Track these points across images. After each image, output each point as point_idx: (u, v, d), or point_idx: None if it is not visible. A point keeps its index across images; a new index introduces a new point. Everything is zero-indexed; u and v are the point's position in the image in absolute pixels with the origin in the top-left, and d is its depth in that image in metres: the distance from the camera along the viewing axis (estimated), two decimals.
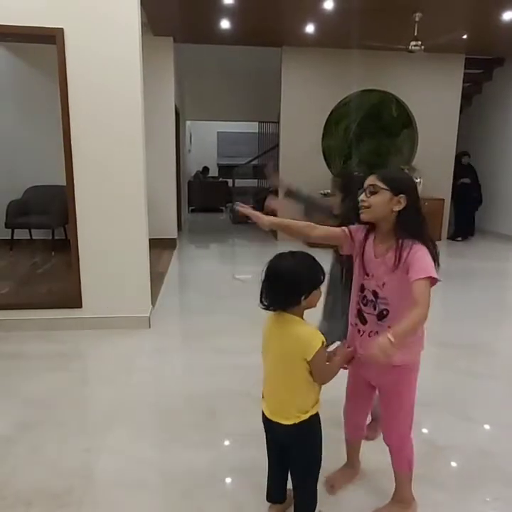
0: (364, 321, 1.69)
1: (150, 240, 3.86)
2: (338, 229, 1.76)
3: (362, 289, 1.69)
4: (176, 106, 6.93)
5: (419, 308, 1.41)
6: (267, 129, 10.39)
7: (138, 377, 3.00)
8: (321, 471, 1.69)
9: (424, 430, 2.40)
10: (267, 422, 1.65)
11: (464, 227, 7.96)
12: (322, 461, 1.67)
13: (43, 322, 3.62)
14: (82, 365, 3.29)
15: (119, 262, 3.63)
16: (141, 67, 3.49)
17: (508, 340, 3.86)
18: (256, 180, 11.82)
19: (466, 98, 8.43)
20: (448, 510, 1.87)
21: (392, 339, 1.33)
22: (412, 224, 1.56)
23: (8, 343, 3.41)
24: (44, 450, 2.21)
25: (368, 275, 1.66)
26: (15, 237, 5.99)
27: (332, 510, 1.83)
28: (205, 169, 12.83)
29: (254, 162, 10.91)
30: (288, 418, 1.58)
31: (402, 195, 1.56)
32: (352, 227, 1.73)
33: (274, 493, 1.78)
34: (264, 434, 1.72)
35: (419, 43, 5.57)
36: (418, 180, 6.62)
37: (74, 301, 3.62)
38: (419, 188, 6.67)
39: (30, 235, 6.24)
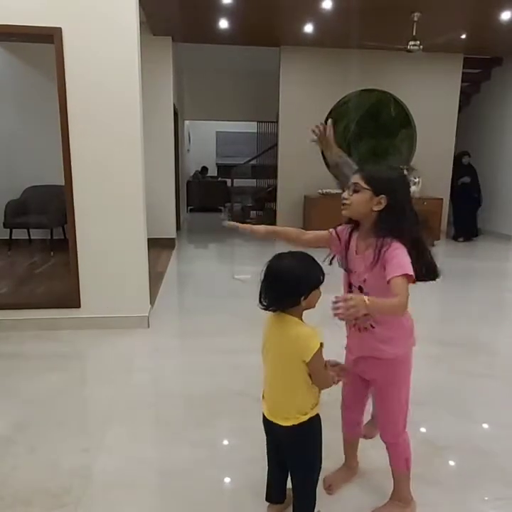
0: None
1: (149, 239, 3.86)
2: (324, 231, 1.82)
3: (350, 286, 1.73)
4: (174, 105, 6.93)
5: (398, 298, 1.45)
6: (265, 128, 10.39)
7: (137, 377, 3.00)
8: (322, 471, 1.69)
9: (423, 430, 2.40)
10: (267, 423, 1.64)
11: (466, 228, 7.92)
12: (322, 462, 1.67)
13: (42, 322, 3.61)
14: (81, 365, 3.28)
15: (118, 262, 3.63)
16: (139, 66, 3.48)
17: (507, 340, 3.86)
18: (255, 180, 11.82)
19: (465, 97, 8.45)
20: (447, 510, 1.87)
21: (367, 301, 1.37)
22: (391, 224, 1.59)
23: (7, 343, 3.41)
24: (43, 450, 2.21)
25: (351, 272, 1.71)
26: (13, 237, 5.99)
27: (331, 511, 1.83)
28: (204, 169, 12.83)
29: (253, 162, 10.91)
30: (287, 419, 1.58)
31: (382, 195, 1.59)
32: (339, 227, 1.79)
33: (274, 493, 1.77)
34: (264, 434, 1.72)
35: (418, 42, 5.58)
36: (417, 180, 6.62)
37: (72, 301, 3.62)
38: (418, 188, 6.70)
39: (29, 235, 6.24)
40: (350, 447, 2.01)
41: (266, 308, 1.56)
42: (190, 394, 2.76)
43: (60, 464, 2.11)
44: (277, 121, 7.73)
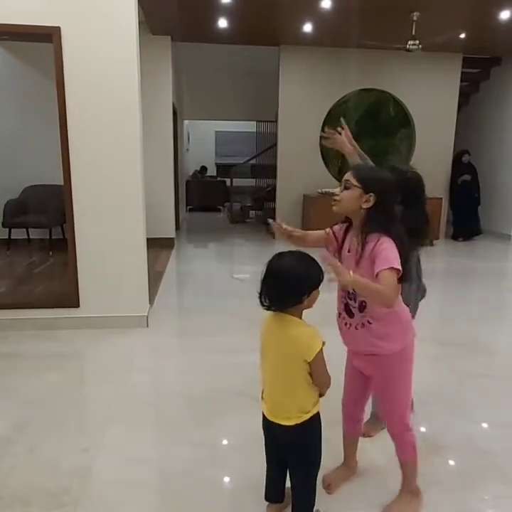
0: (351, 315, 1.74)
1: (148, 239, 3.85)
2: (322, 231, 1.87)
3: None
4: (173, 105, 6.92)
5: (382, 286, 1.50)
6: (265, 128, 10.38)
7: (136, 376, 2.99)
8: (320, 470, 1.69)
9: (423, 429, 2.40)
10: (268, 423, 1.64)
11: (465, 227, 7.88)
12: (322, 460, 1.67)
13: (41, 322, 3.61)
14: (80, 365, 3.28)
15: (117, 262, 3.62)
16: (138, 66, 3.47)
17: (507, 339, 3.86)
18: (254, 180, 11.82)
19: (464, 97, 8.44)
20: (447, 510, 1.87)
21: (351, 274, 1.49)
22: (379, 222, 1.62)
23: (6, 342, 3.40)
24: (42, 450, 2.20)
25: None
26: (12, 237, 5.97)
27: (329, 510, 1.83)
28: (203, 168, 12.82)
29: (252, 161, 10.91)
30: (289, 419, 1.58)
31: (371, 193, 1.62)
32: (335, 226, 1.83)
33: (273, 492, 1.77)
34: (263, 434, 1.72)
35: (417, 42, 5.57)
36: None
37: (71, 300, 3.61)
38: None
39: (28, 235, 6.23)
40: (349, 445, 2.01)
41: (268, 308, 1.56)
42: (189, 393, 2.76)
43: (59, 463, 2.10)
44: (276, 121, 7.72)
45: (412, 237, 1.94)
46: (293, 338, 1.53)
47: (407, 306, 2.11)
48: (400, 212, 1.71)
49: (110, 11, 3.32)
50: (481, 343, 3.63)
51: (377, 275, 1.53)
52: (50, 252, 5.74)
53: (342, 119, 2.33)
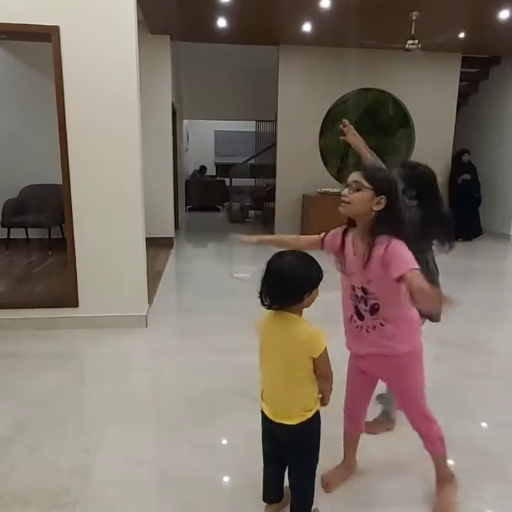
0: (361, 317, 1.74)
1: (147, 238, 3.85)
2: (315, 236, 1.88)
3: (353, 287, 1.74)
4: (173, 104, 6.91)
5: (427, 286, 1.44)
6: (264, 128, 10.38)
7: (135, 376, 2.99)
8: (319, 470, 1.68)
9: None
10: (269, 423, 1.63)
11: (465, 228, 7.83)
12: (321, 460, 1.67)
13: (40, 321, 3.60)
14: (79, 365, 3.27)
15: (116, 261, 3.62)
16: (137, 65, 3.47)
17: (507, 339, 3.86)
18: (253, 179, 11.82)
19: (463, 97, 8.44)
20: None
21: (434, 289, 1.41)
22: (389, 225, 1.61)
23: (5, 342, 3.39)
24: (41, 450, 2.20)
25: (352, 273, 1.72)
26: (11, 237, 5.97)
27: (328, 509, 1.83)
28: (203, 168, 12.81)
29: (252, 161, 10.90)
30: (291, 418, 1.57)
31: (382, 195, 1.60)
32: (330, 233, 1.83)
33: (272, 493, 1.77)
34: (261, 433, 1.71)
35: (416, 41, 5.57)
36: None
37: (70, 300, 3.61)
38: None
39: (27, 234, 6.22)
40: (349, 444, 2.01)
41: (269, 307, 1.56)
42: (189, 393, 2.75)
43: (59, 463, 2.10)
44: (276, 121, 7.71)
45: (426, 234, 1.95)
46: (297, 336, 1.53)
47: (432, 319, 2.13)
48: (413, 207, 1.70)
49: (109, 10, 3.31)
50: (481, 343, 3.63)
51: (401, 277, 1.50)
52: (49, 252, 5.74)
53: (344, 120, 2.35)
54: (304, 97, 7.44)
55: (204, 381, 2.89)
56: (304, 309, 1.59)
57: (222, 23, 6.07)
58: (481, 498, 1.93)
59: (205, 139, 13.74)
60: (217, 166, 13.80)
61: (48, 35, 3.23)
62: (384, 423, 2.35)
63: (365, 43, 6.15)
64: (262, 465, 1.76)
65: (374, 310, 1.68)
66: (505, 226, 8.00)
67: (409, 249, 1.58)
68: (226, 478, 2.05)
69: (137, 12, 3.54)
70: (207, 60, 8.71)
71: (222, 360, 3.18)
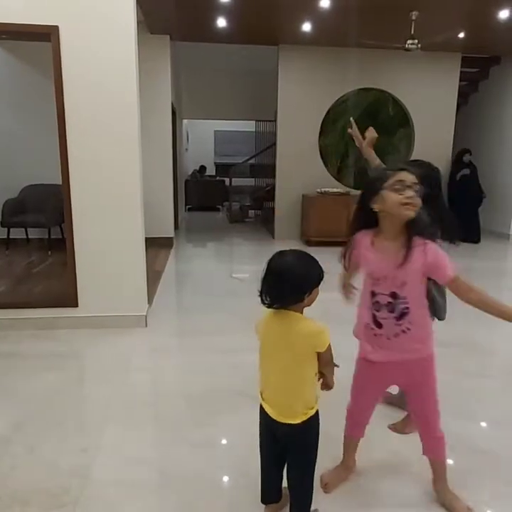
0: (379, 326, 1.72)
1: (147, 238, 3.85)
2: (353, 262, 1.79)
3: (373, 295, 1.72)
4: (172, 104, 6.91)
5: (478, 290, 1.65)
6: (264, 127, 10.37)
7: (135, 376, 2.99)
8: (317, 470, 1.68)
9: None
10: (270, 422, 1.62)
11: (465, 229, 7.75)
12: (320, 460, 1.67)
13: (39, 321, 3.60)
14: (79, 365, 3.27)
15: (116, 261, 3.62)
16: (137, 65, 3.47)
17: (507, 340, 3.85)
18: (253, 179, 11.82)
19: (463, 97, 8.44)
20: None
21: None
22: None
23: (4, 342, 3.40)
24: (41, 450, 2.20)
25: (379, 279, 1.69)
26: (11, 236, 5.97)
27: (327, 509, 1.83)
28: (202, 168, 12.82)
29: (251, 161, 10.90)
30: (295, 417, 1.57)
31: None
32: (357, 235, 1.75)
33: (271, 493, 1.77)
34: (260, 433, 1.71)
35: (416, 41, 5.57)
36: None
37: (70, 300, 3.61)
38: None
39: (27, 234, 6.22)
40: (349, 445, 2.00)
41: (270, 306, 1.56)
42: (188, 393, 2.75)
43: (58, 463, 2.10)
44: (276, 120, 7.71)
45: (433, 233, 1.95)
46: (302, 332, 1.53)
47: (440, 317, 2.12)
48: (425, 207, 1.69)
49: (109, 10, 3.31)
50: (479, 343, 3.63)
51: (452, 281, 1.64)
52: (49, 252, 5.74)
53: (351, 120, 2.37)
54: (303, 96, 7.44)
55: (204, 381, 2.89)
56: (304, 309, 1.59)
57: (221, 22, 6.07)
58: (481, 498, 1.92)
59: (204, 138, 13.74)
60: (217, 165, 13.81)
61: (47, 35, 3.23)
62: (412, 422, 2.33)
63: (365, 42, 6.15)
64: (261, 465, 1.76)
65: (402, 315, 1.66)
66: (505, 226, 7.99)
67: None
68: (226, 478, 2.05)
69: (137, 12, 3.54)
70: (206, 59, 8.71)
71: (222, 360, 3.18)
